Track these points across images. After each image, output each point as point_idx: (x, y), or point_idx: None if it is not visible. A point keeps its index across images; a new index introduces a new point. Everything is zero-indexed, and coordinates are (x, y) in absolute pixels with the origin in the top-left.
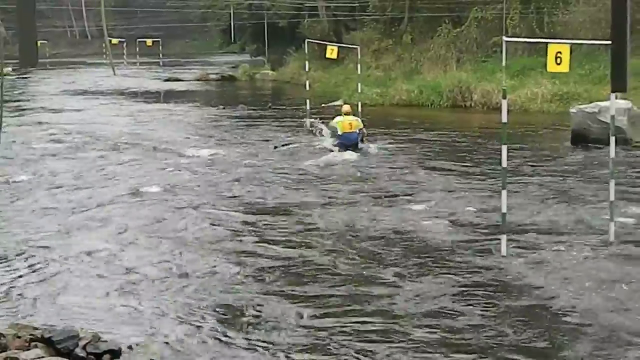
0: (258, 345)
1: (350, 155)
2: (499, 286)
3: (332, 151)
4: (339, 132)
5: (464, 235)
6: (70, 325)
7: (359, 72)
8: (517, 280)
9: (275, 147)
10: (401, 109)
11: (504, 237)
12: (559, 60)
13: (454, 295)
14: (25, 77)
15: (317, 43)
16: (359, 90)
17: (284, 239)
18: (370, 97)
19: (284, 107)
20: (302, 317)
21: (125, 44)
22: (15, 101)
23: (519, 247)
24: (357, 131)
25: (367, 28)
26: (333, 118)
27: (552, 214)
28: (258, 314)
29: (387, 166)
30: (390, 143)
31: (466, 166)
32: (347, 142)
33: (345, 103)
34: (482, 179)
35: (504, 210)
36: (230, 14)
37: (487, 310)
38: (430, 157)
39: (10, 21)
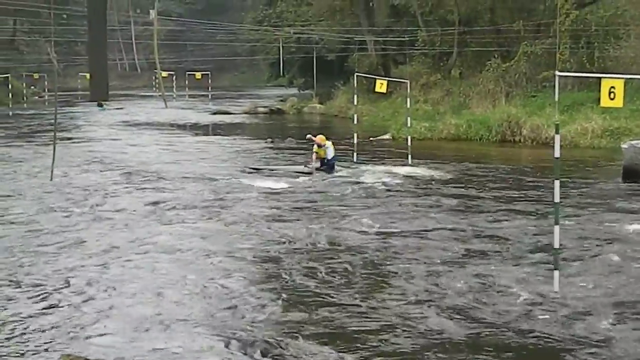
0: None
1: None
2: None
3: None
4: (331, 156)
5: (515, 269)
6: (121, 357)
7: (408, 105)
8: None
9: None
10: (450, 143)
11: (556, 273)
12: (612, 95)
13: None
14: (82, 111)
15: (366, 77)
16: (408, 124)
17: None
18: (418, 131)
19: (332, 140)
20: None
21: (174, 77)
22: (71, 131)
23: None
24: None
25: (415, 62)
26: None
27: (600, 251)
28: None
29: (428, 200)
30: (434, 178)
31: (515, 200)
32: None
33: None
34: (532, 214)
35: (557, 245)
36: (279, 47)
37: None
38: (479, 190)
39: (62, 54)
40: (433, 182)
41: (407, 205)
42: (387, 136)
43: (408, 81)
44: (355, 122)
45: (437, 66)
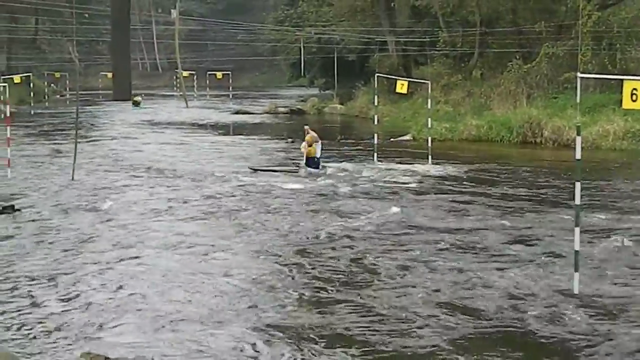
0: None
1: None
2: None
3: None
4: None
5: (535, 270)
6: (142, 356)
7: (429, 106)
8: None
9: (252, 169)
10: (470, 144)
11: (576, 275)
12: (634, 97)
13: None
14: (106, 109)
15: (387, 77)
16: (429, 125)
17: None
18: (439, 132)
19: (353, 140)
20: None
21: (195, 77)
22: (92, 130)
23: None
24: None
25: (436, 63)
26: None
27: (621, 253)
28: (329, 344)
29: (449, 200)
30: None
31: (535, 201)
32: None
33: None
34: (551, 215)
35: (577, 247)
36: (300, 47)
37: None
38: (498, 190)
39: (83, 53)
40: (452, 182)
41: (426, 205)
42: (407, 137)
43: (429, 82)
44: (376, 122)
45: (458, 67)
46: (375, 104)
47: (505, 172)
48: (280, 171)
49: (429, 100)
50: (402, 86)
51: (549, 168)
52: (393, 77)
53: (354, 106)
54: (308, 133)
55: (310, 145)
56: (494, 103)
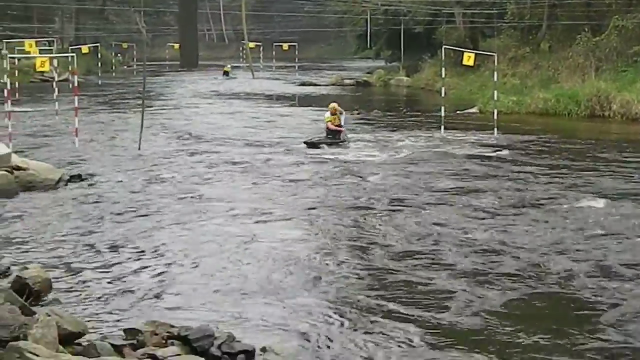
0: (388, 349)
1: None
2: None
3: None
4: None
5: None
6: (206, 324)
7: (495, 79)
8: None
9: (306, 143)
10: (537, 117)
11: None
12: None
13: None
14: (172, 80)
15: (454, 50)
16: (495, 98)
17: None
18: (506, 105)
19: (419, 113)
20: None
21: (261, 48)
22: (159, 100)
23: None
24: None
25: (504, 35)
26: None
27: None
28: (387, 315)
29: (516, 172)
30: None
31: (600, 176)
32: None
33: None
34: (614, 191)
35: None
36: (366, 19)
37: None
38: (562, 162)
39: (151, 24)
40: (517, 154)
41: (493, 175)
42: (474, 110)
43: (495, 54)
44: (443, 95)
45: (525, 39)
46: (443, 76)
47: (570, 145)
48: (331, 144)
49: (496, 73)
50: (469, 58)
51: (617, 142)
52: (460, 49)
53: (420, 78)
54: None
55: (334, 114)
56: (562, 76)
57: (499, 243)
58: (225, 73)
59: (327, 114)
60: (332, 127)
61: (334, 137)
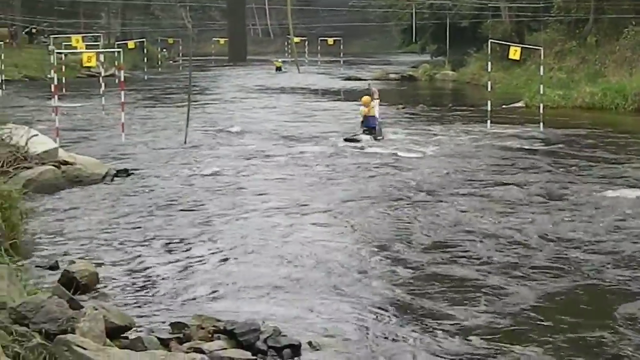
0: (431, 345)
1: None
2: None
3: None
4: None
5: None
6: (252, 319)
7: (541, 73)
8: None
9: (346, 140)
10: (584, 111)
11: None
12: None
13: None
14: (219, 74)
15: (500, 44)
16: (541, 92)
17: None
18: (552, 99)
19: (465, 107)
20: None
21: (307, 43)
22: (204, 95)
23: None
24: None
25: (550, 29)
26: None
27: None
28: (427, 309)
29: (560, 166)
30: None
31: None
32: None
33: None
34: None
35: None
36: (411, 13)
37: None
38: (608, 156)
39: (196, 19)
40: (562, 148)
41: (537, 168)
42: (520, 104)
43: (542, 48)
44: (489, 89)
45: (572, 33)
46: (489, 70)
47: (616, 140)
48: (368, 134)
49: (542, 67)
50: (515, 52)
51: None
52: (506, 43)
53: (466, 73)
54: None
55: (367, 106)
56: (609, 70)
57: (538, 236)
58: (278, 68)
59: (362, 107)
60: (368, 115)
61: (370, 129)
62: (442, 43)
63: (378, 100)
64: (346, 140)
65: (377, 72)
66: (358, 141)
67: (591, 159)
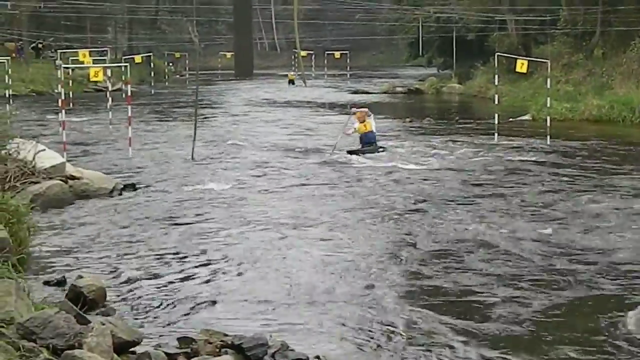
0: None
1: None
2: None
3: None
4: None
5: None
6: (260, 333)
7: (548, 86)
8: None
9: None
10: (591, 124)
11: None
12: None
13: None
14: (225, 89)
15: (507, 57)
16: (548, 105)
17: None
18: (559, 111)
19: (471, 120)
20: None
21: (313, 56)
22: (211, 109)
23: None
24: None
25: (557, 42)
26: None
27: None
28: (435, 322)
29: (567, 178)
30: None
31: None
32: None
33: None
34: None
35: None
36: (418, 27)
37: None
38: (614, 170)
39: (203, 33)
40: (569, 161)
41: (543, 181)
42: (527, 117)
43: (549, 61)
44: (496, 102)
45: (579, 46)
46: (496, 83)
47: (622, 152)
48: (369, 152)
49: (549, 80)
50: (522, 65)
51: None
52: (513, 56)
53: (473, 86)
54: (354, 114)
55: (362, 122)
56: (616, 82)
57: (546, 247)
58: (291, 81)
59: (356, 124)
60: (366, 131)
61: (370, 144)
62: (449, 56)
63: (372, 115)
64: (349, 152)
65: (384, 86)
66: (363, 153)
67: (601, 172)
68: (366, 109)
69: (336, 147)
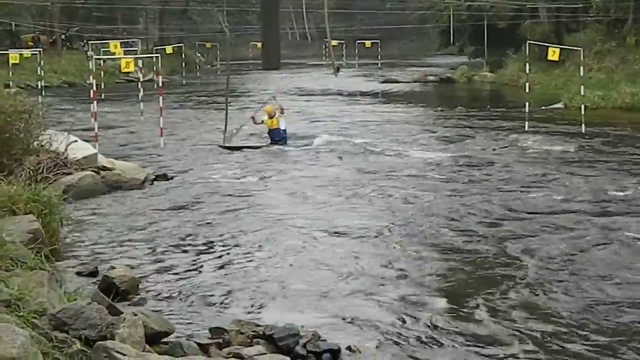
0: (469, 352)
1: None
2: None
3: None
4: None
5: None
6: (291, 323)
7: (581, 74)
8: None
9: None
10: (624, 112)
11: None
12: None
13: None
14: (256, 78)
15: (538, 45)
16: (581, 93)
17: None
18: (592, 100)
19: (503, 109)
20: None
21: (344, 46)
22: (241, 99)
23: None
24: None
25: (589, 29)
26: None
27: None
28: (466, 319)
29: (600, 167)
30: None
31: None
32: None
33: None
34: None
35: None
36: (449, 15)
37: None
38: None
39: (233, 23)
40: (602, 149)
41: (576, 169)
42: (559, 105)
43: (581, 49)
44: (527, 90)
45: (611, 33)
46: (527, 71)
47: None
48: (249, 147)
49: (581, 68)
50: (553, 53)
51: None
52: (545, 44)
53: (504, 74)
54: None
55: (271, 117)
56: None
57: (572, 242)
58: (337, 69)
59: (265, 117)
60: (273, 127)
61: (275, 142)
62: (480, 45)
63: (284, 115)
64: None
65: (416, 75)
66: (239, 149)
67: (634, 161)
68: (279, 106)
69: (234, 135)
